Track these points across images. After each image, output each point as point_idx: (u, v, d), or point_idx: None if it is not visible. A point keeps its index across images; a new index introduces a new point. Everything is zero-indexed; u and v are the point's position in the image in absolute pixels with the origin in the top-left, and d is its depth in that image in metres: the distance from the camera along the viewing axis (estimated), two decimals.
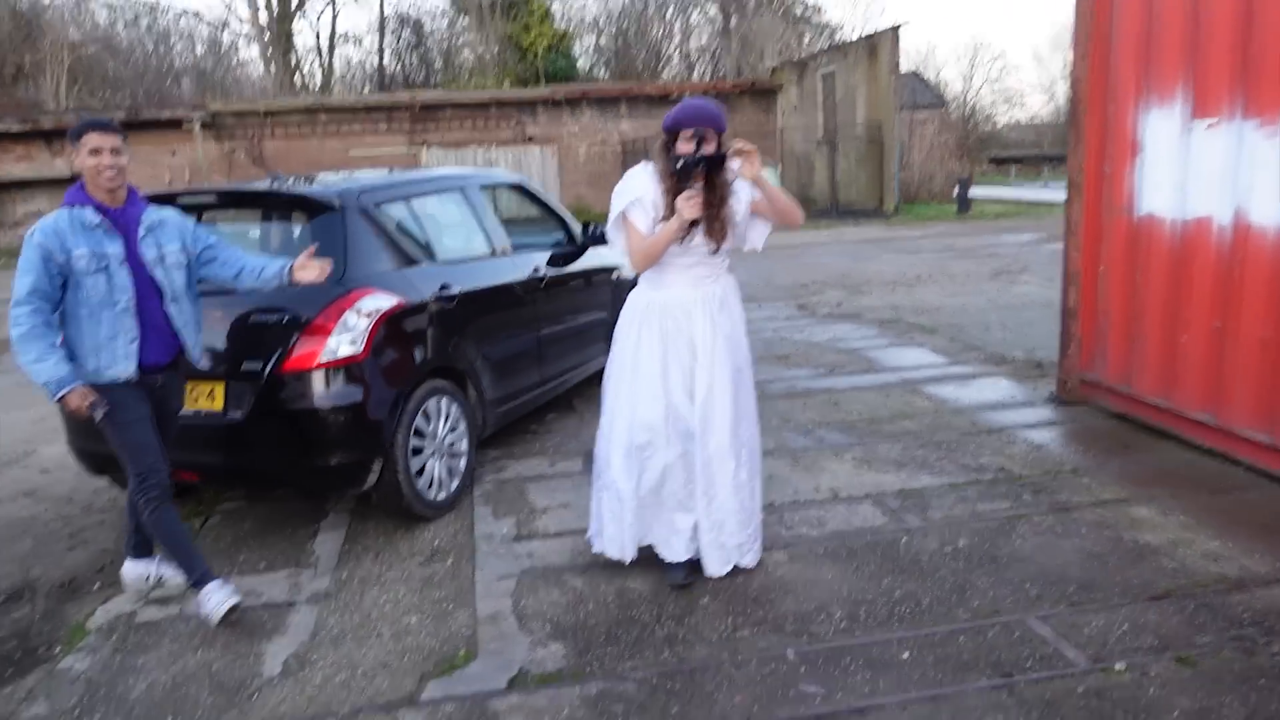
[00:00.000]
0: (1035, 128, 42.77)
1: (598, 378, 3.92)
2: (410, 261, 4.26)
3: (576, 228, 5.65)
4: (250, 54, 43.57)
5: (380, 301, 3.89)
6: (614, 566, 3.54)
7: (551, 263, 5.20)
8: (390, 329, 3.92)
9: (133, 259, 3.14)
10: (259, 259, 3.45)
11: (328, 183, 4.47)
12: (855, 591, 3.35)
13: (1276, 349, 4.12)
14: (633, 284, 3.52)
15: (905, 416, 5.40)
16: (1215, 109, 4.32)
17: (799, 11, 35.82)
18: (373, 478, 3.88)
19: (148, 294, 3.18)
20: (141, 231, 3.18)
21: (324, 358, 3.68)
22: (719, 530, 3.38)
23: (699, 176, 3.14)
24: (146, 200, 3.33)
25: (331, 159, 22.49)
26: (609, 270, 5.87)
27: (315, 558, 3.88)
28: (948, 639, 3.01)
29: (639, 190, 3.23)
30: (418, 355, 4.11)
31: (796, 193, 23.66)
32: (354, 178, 4.74)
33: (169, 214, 3.35)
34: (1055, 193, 22.03)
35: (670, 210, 3.13)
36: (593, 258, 5.60)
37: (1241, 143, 4.20)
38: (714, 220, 3.18)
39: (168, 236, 3.26)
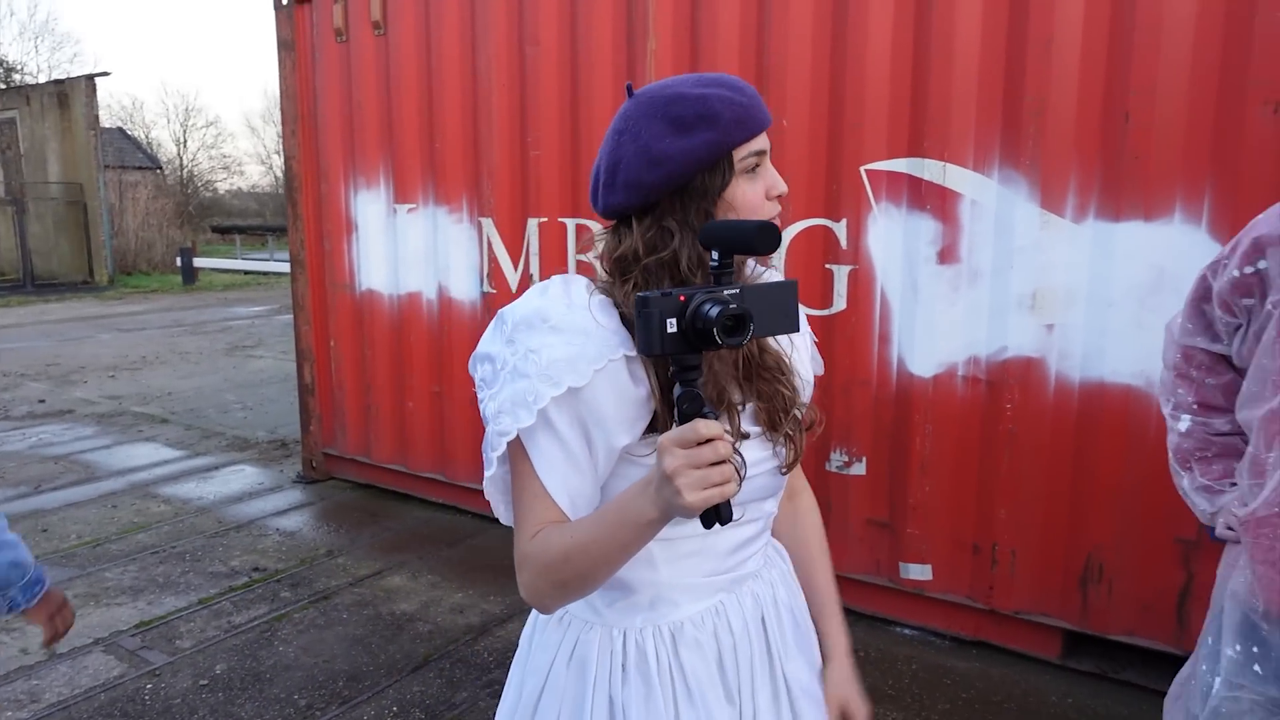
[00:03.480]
0: (257, 196, 43.07)
1: None
2: None
3: None
4: None
5: None
6: None
7: None
8: None
9: None
10: None
11: None
12: None
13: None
14: None
15: (139, 529, 4.68)
16: (413, 197, 4.75)
17: None
18: None
19: None
20: None
21: None
22: None
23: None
24: None
25: None
26: None
27: None
28: None
29: (572, 369, 1.01)
30: None
31: None
32: None
33: None
34: (282, 264, 22.50)
35: (664, 425, 1.04)
36: None
37: (436, 227, 4.69)
38: (787, 424, 1.17)
39: None
